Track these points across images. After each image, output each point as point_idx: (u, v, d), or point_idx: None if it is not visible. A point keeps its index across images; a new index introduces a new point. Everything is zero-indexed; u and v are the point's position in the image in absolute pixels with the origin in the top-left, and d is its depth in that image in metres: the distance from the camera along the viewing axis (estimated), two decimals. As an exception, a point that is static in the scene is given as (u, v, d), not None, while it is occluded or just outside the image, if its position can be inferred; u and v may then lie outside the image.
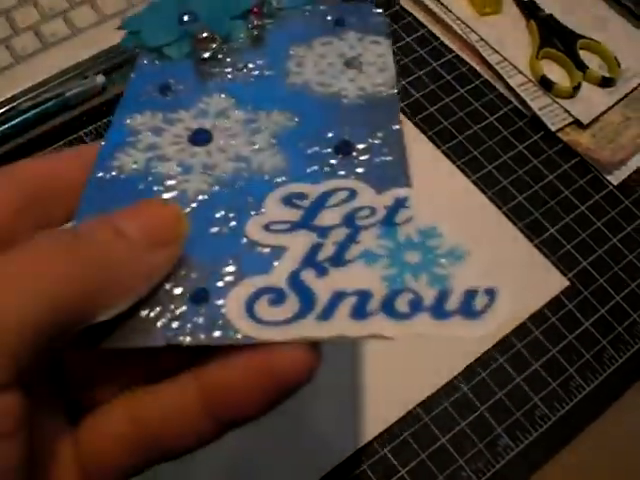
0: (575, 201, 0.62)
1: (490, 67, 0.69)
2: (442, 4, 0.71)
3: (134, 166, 0.30)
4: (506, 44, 0.69)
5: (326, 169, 0.30)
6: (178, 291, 0.27)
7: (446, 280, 0.26)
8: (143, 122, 0.32)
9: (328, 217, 0.28)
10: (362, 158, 0.31)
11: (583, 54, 0.69)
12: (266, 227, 0.28)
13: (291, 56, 0.36)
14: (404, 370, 0.53)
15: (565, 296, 0.57)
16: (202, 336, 0.25)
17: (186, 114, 0.33)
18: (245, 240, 0.28)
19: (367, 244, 0.27)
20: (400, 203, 0.28)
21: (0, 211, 0.28)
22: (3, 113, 0.61)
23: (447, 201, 0.60)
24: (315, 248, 0.27)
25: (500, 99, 0.68)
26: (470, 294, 0.26)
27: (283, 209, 0.28)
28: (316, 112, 0.33)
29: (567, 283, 0.58)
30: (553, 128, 0.65)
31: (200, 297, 0.26)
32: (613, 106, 0.67)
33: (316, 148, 0.31)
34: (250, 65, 0.35)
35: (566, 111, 0.66)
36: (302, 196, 0.29)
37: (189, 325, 0.26)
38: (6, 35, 0.65)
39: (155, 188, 0.30)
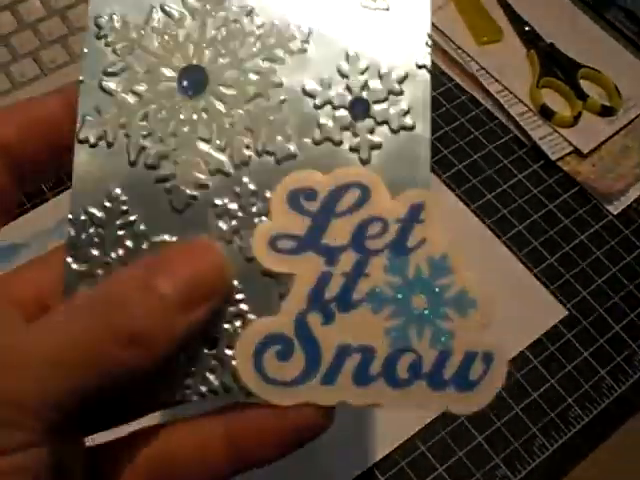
0: (575, 230, 0.62)
1: (490, 96, 0.69)
2: (442, 32, 0.71)
3: (122, 131, 0.27)
4: (506, 73, 0.70)
5: (337, 139, 0.28)
6: None
7: (449, 338, 0.26)
8: (123, 42, 0.28)
9: (337, 232, 0.26)
10: (380, 119, 0.28)
11: (584, 83, 0.69)
12: (272, 243, 0.26)
13: None
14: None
15: (564, 326, 0.57)
16: (215, 392, 0.26)
17: (179, 31, 0.28)
18: (250, 259, 0.27)
19: (375, 279, 0.26)
20: (415, 215, 0.27)
21: None
22: None
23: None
24: (323, 280, 0.26)
25: (500, 128, 0.68)
26: (468, 358, 0.26)
27: (290, 214, 0.26)
28: (329, 24, 0.28)
29: (566, 312, 0.58)
30: (553, 157, 0.65)
31: (210, 341, 0.27)
32: (613, 135, 0.67)
33: (328, 95, 0.28)
34: None
35: (566, 140, 0.66)
36: (311, 194, 0.27)
37: (200, 376, 0.26)
38: (5, 61, 0.65)
39: (150, 161, 0.27)
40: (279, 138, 0.27)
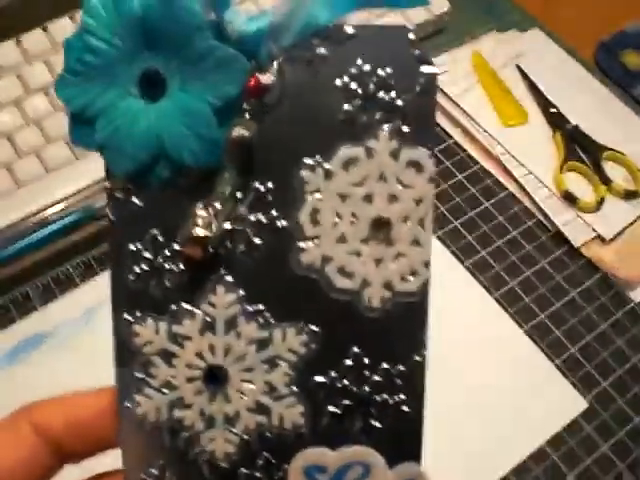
0: (596, 318, 0.63)
1: (515, 180, 0.70)
2: (468, 115, 0.72)
3: (159, 417, 0.29)
4: (531, 156, 0.70)
5: (342, 404, 0.29)
6: None
7: None
8: (147, 339, 0.29)
9: None
10: (375, 417, 0.29)
11: (609, 165, 0.70)
12: None
13: (305, 192, 0.27)
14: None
15: (584, 418, 0.57)
16: None
17: (191, 325, 0.28)
18: None
19: None
20: None
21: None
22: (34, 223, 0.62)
23: (469, 321, 0.61)
24: None
25: (524, 213, 0.68)
26: None
27: None
28: (336, 321, 0.28)
29: (586, 405, 0.58)
30: (576, 244, 0.66)
31: None
32: (637, 220, 0.68)
33: (332, 373, 0.29)
34: (255, 215, 0.27)
35: (589, 226, 0.67)
36: (323, 468, 0.29)
37: None
38: (38, 144, 0.66)
39: (183, 445, 0.29)
40: (293, 421, 0.29)
